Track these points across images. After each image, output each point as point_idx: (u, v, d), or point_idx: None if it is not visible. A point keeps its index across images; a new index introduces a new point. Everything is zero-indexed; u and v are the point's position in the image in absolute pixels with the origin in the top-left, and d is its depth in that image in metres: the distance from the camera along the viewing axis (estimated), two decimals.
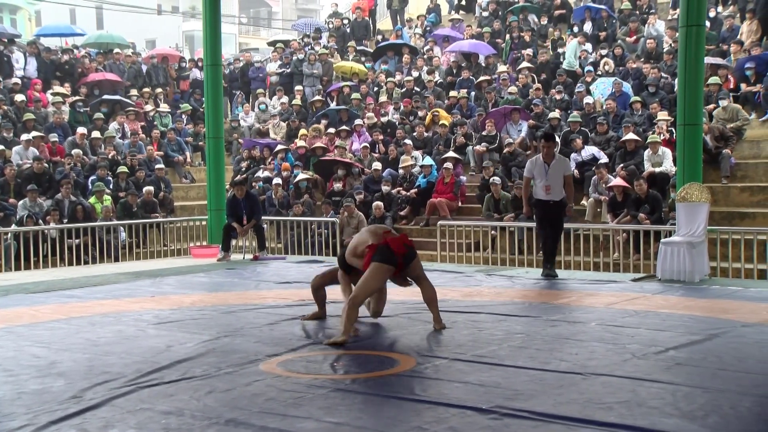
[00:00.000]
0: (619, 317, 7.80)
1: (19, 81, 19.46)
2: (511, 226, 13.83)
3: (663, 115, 15.13)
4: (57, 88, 19.85)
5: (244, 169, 18.44)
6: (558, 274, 10.94)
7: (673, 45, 16.98)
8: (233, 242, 13.91)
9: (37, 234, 13.87)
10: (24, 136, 17.05)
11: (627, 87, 17.03)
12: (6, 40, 20.80)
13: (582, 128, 15.76)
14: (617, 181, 13.82)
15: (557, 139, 14.13)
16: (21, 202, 14.94)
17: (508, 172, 15.64)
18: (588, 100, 16.81)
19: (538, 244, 13.31)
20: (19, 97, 18.63)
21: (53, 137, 17.53)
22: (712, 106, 15.32)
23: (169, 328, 7.62)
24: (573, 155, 15.05)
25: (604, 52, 18.94)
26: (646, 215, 13.05)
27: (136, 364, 6.08)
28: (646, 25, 19.31)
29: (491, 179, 14.89)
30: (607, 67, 18.16)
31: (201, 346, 6.74)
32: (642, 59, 18.14)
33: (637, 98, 16.20)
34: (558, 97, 17.60)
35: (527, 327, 7.41)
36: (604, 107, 16.63)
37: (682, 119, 10.95)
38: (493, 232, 14.14)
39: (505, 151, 16.15)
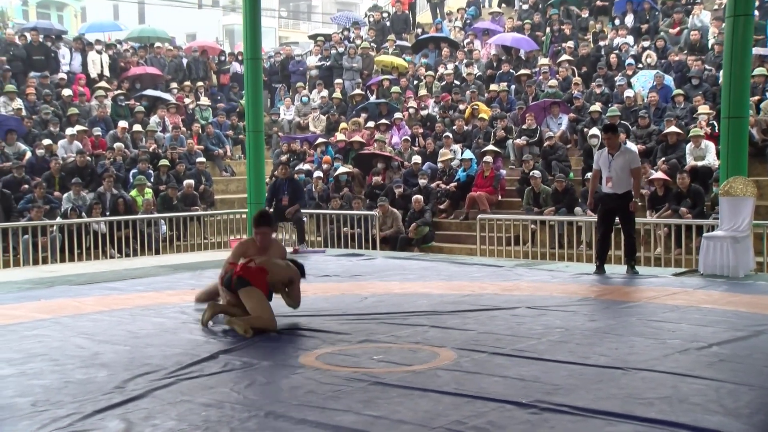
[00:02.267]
0: (659, 312, 7.72)
1: (65, 76, 19.71)
2: (551, 219, 13.74)
3: (704, 108, 14.92)
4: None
5: (279, 162, 18.48)
6: (638, 271, 10.59)
7: (718, 36, 16.73)
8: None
9: (80, 226, 14.04)
10: (69, 130, 17.28)
11: (669, 80, 16.83)
12: (54, 37, 21.05)
13: (622, 122, 15.60)
14: (658, 175, 13.68)
15: (619, 131, 13.64)
16: (65, 195, 15.13)
17: (548, 165, 15.54)
18: (629, 93, 16.64)
19: (576, 239, 13.25)
20: (66, 92, 18.88)
21: (96, 131, 17.74)
22: (758, 97, 15.07)
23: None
24: None
25: (646, 44, 18.73)
26: (687, 209, 12.90)
27: (176, 356, 6.14)
28: (691, 16, 19.04)
29: (531, 173, 14.82)
30: (649, 60, 17.95)
31: (240, 338, 6.79)
32: (685, 51, 17.91)
33: (680, 91, 15.99)
34: (598, 90, 17.43)
35: (566, 321, 7.36)
36: (645, 100, 16.46)
37: (726, 112, 10.68)
38: (532, 225, 14.06)
39: (545, 144, 16.06)
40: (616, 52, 18.82)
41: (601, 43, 19.73)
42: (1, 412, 4.85)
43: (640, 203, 13.38)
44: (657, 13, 20.47)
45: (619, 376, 5.41)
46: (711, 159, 13.76)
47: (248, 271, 7.21)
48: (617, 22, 20.69)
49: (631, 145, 13.36)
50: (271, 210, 13.42)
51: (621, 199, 10.32)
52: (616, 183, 10.27)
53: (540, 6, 22.98)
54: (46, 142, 16.56)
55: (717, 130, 13.17)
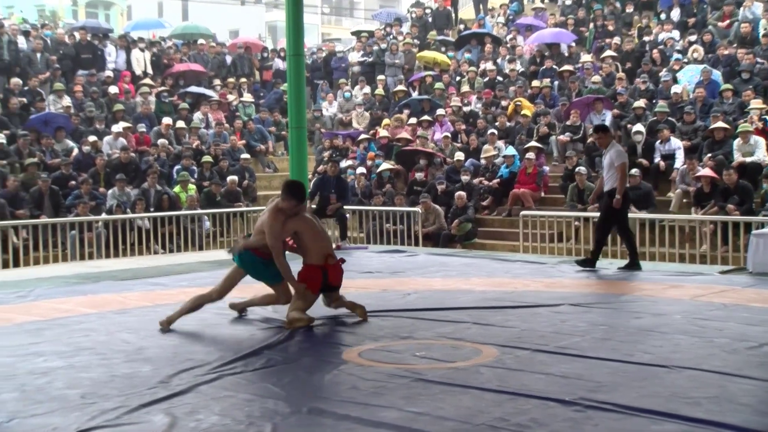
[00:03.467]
0: (705, 310, 7.61)
1: (111, 74, 19.95)
2: (595, 216, 13.61)
3: (757, 103, 14.68)
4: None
5: (326, 159, 18.55)
6: (642, 267, 10.61)
7: None
8: None
9: (124, 222, 14.20)
10: (114, 127, 17.50)
11: (716, 75, 16.59)
12: (100, 35, 21.33)
13: (668, 118, 15.42)
14: (704, 171, 13.50)
15: (611, 130, 13.39)
16: (110, 192, 15.31)
17: (592, 161, 15.41)
18: (675, 89, 16.42)
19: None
20: (113, 89, 19.12)
21: (141, 128, 17.93)
22: None
23: (251, 316, 7.72)
24: (657, 145, 14.79)
25: (692, 38, 18.49)
26: (734, 206, 12.71)
27: (219, 352, 6.19)
28: (742, 8, 18.75)
29: (576, 169, 14.71)
30: (696, 54, 17.70)
31: (283, 334, 6.82)
32: (735, 45, 17.64)
33: (728, 86, 15.74)
34: (642, 86, 17.23)
35: (610, 318, 7.30)
36: (691, 96, 16.24)
37: None
38: (576, 222, 13.95)
39: (589, 141, 15.92)
40: (661, 47, 18.60)
41: (646, 39, 19.51)
42: (53, 403, 4.96)
43: (684, 200, 13.24)
44: (705, 6, 20.17)
45: (663, 374, 5.34)
46: (761, 155, 13.54)
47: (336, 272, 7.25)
48: (663, 16, 20.42)
49: (618, 146, 13.32)
50: (314, 206, 13.48)
51: (609, 196, 10.54)
52: (605, 180, 10.64)
53: (583, 1, 22.79)
54: (92, 138, 16.78)
55: None
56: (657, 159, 14.82)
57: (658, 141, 14.89)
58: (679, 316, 7.37)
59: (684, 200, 13.87)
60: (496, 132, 17.12)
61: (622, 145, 16.24)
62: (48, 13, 41.61)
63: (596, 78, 18.03)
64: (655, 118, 15.48)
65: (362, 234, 15.49)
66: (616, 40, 19.86)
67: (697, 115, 15.39)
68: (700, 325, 6.92)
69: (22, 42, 19.35)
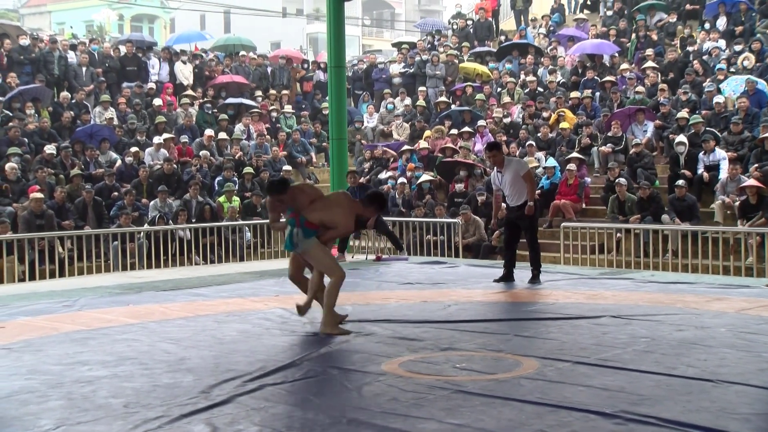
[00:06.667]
0: (752, 324, 7.47)
1: (153, 86, 20.21)
2: (637, 228, 13.50)
3: None
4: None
5: (366, 170, 18.61)
6: (541, 280, 10.49)
7: None
8: (355, 243, 14.02)
9: (166, 233, 14.33)
10: (156, 138, 17.70)
11: (762, 84, 16.35)
12: (144, 48, 21.63)
13: (709, 128, 15.23)
14: (751, 182, 13.31)
15: (502, 147, 13.00)
16: (152, 203, 15.46)
17: (634, 173, 15.28)
18: (718, 99, 16.23)
19: (662, 247, 12.98)
20: (157, 101, 19.36)
21: (183, 139, 18.12)
22: None
23: (292, 326, 7.75)
24: (701, 156, 14.63)
25: (738, 48, 18.26)
26: None
27: (260, 362, 6.21)
28: None
29: (617, 180, 14.59)
30: (746, 63, 17.44)
31: (324, 345, 6.83)
32: None
33: None
34: (684, 97, 17.04)
35: (652, 331, 7.21)
36: (735, 106, 16.04)
37: None
38: (617, 234, 13.83)
39: (631, 152, 15.79)
40: (705, 57, 18.40)
41: (690, 48, 19.32)
42: (98, 412, 5.03)
43: (728, 212, 13.04)
44: (754, 14, 19.90)
45: (709, 389, 5.26)
46: None
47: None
48: (707, 26, 20.22)
49: (514, 157, 13.19)
50: None
51: (519, 210, 10.44)
52: (511, 196, 10.46)
53: (626, 12, 22.64)
54: (134, 149, 16.98)
55: None
56: (700, 170, 14.64)
57: (702, 152, 14.72)
58: (725, 329, 7.24)
59: (728, 211, 13.68)
60: (534, 143, 17.05)
61: (663, 156, 16.17)
62: (96, 28, 42.37)
63: (640, 88, 17.88)
64: (692, 131, 15.30)
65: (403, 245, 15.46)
66: (659, 50, 19.69)
67: (743, 125, 15.20)
68: (748, 339, 6.79)
69: (71, 57, 19.71)
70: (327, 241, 7.52)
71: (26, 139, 16.36)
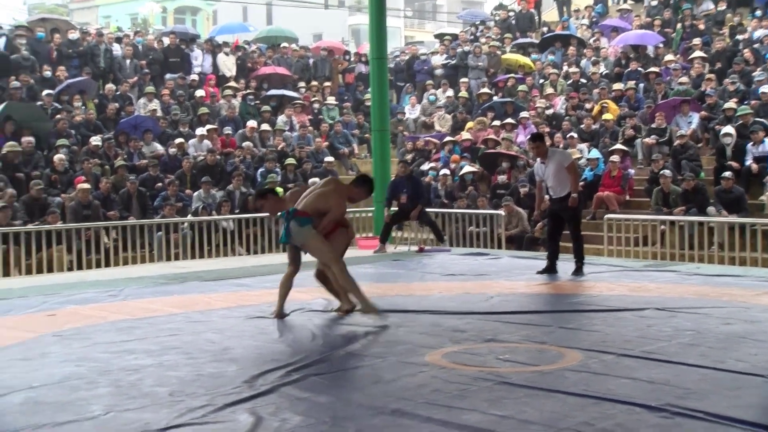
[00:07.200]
0: None
1: (196, 77, 20.36)
2: (681, 220, 13.35)
3: None
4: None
5: (409, 161, 18.57)
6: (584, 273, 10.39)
7: None
8: (398, 234, 14.02)
9: (210, 224, 14.45)
10: (199, 130, 17.83)
11: None
12: (187, 40, 21.80)
13: (758, 119, 14.96)
14: None
15: (545, 138, 13.05)
16: (196, 194, 15.58)
17: (678, 165, 15.10)
18: (764, 88, 15.93)
19: (707, 240, 12.81)
20: (199, 93, 19.50)
21: (226, 130, 18.23)
22: None
23: (335, 317, 7.78)
24: (749, 147, 14.41)
25: None
26: None
27: (303, 352, 6.25)
28: None
29: (661, 172, 14.43)
30: None
31: (367, 336, 6.85)
32: None
33: None
34: (731, 87, 16.77)
35: (698, 324, 7.12)
36: None
37: None
38: (662, 226, 13.69)
39: (675, 143, 15.60)
40: (756, 45, 18.07)
41: (739, 37, 18.99)
42: (144, 399, 5.10)
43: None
44: None
45: (759, 384, 5.17)
46: None
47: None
48: (758, 13, 19.82)
49: (558, 148, 12.96)
50: (393, 210, 13.51)
51: (563, 201, 10.37)
52: (554, 188, 10.38)
53: (671, 2, 22.34)
54: (178, 140, 17.13)
55: None
56: (749, 161, 14.42)
57: (751, 143, 14.50)
58: None
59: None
60: (576, 135, 16.92)
61: (708, 147, 15.95)
62: (140, 21, 42.81)
63: (684, 79, 17.64)
64: (740, 122, 15.06)
65: (445, 237, 15.41)
66: (706, 39, 19.38)
67: None
68: None
69: (117, 49, 19.95)
70: (324, 228, 7.56)
71: (73, 131, 16.59)
